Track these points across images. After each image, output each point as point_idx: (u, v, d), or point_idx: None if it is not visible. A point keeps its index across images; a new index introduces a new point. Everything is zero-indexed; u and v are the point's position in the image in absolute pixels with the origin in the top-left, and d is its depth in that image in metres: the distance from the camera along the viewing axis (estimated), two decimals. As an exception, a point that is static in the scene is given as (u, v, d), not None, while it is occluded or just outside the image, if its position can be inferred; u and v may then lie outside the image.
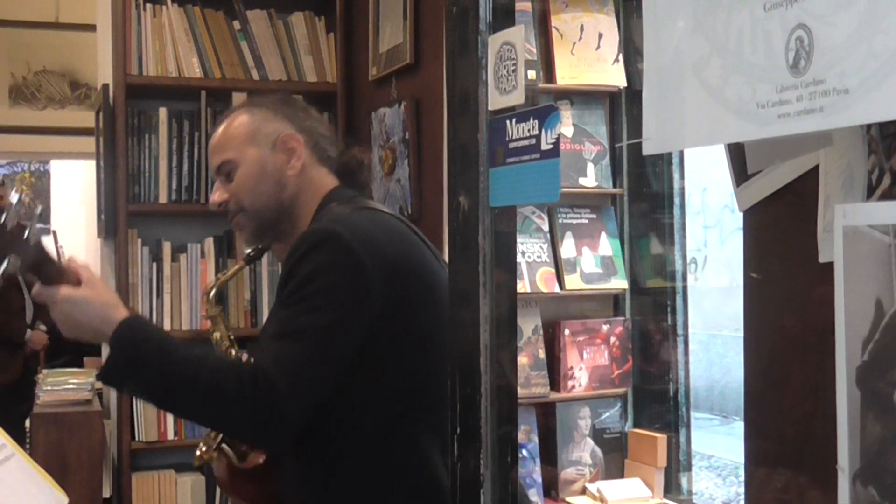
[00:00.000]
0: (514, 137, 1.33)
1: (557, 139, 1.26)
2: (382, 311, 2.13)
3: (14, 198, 2.11)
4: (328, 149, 2.43)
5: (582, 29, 3.74)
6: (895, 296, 0.90)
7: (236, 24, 4.86)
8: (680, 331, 3.74)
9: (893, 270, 0.90)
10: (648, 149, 1.08)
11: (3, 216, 2.04)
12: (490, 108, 1.36)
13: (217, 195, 2.41)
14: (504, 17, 1.36)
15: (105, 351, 2.39)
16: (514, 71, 1.31)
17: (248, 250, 3.18)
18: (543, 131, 1.28)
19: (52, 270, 2.14)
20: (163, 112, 4.76)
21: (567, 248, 3.69)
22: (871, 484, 0.93)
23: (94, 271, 2.22)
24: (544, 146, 1.27)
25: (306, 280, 2.13)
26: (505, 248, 1.37)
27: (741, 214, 1.35)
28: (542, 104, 3.47)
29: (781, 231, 1.29)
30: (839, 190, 1.07)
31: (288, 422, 2.10)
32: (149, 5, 4.71)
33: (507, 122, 1.34)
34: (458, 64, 1.43)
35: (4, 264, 2.06)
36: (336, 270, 2.14)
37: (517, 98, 1.31)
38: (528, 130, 1.30)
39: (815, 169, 1.16)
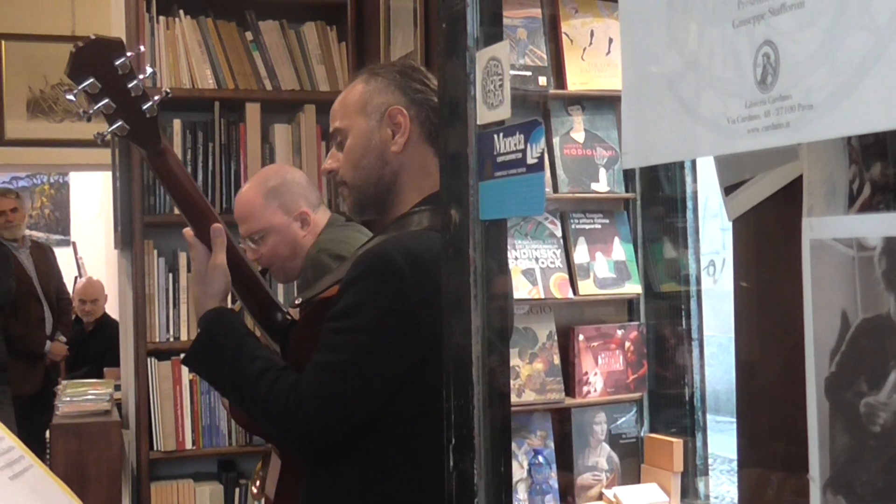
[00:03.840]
0: (501, 151, 1.34)
1: (542, 153, 1.27)
2: (424, 356, 2.12)
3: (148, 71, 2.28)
4: None
5: (592, 34, 3.75)
6: (859, 308, 0.92)
7: (249, 35, 4.89)
8: (695, 335, 3.74)
9: (857, 283, 0.92)
10: (627, 163, 1.10)
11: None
12: (478, 122, 1.37)
13: (328, 163, 2.43)
14: (492, 32, 1.38)
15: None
16: (500, 86, 1.33)
17: None
18: (529, 145, 1.29)
19: (205, 225, 2.37)
20: (177, 123, 4.79)
21: (580, 253, 3.70)
22: (840, 493, 0.94)
23: (222, 246, 2.38)
24: (530, 160, 1.28)
25: (356, 309, 2.14)
26: (496, 259, 1.38)
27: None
28: (554, 110, 3.50)
29: (770, 240, 1.30)
30: (822, 200, 1.07)
31: (316, 447, 2.19)
32: (162, 18, 4.74)
33: (495, 136, 1.36)
34: (447, 78, 1.44)
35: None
36: (385, 310, 2.14)
37: (504, 113, 1.33)
38: (515, 144, 1.31)
39: (802, 178, 1.17)
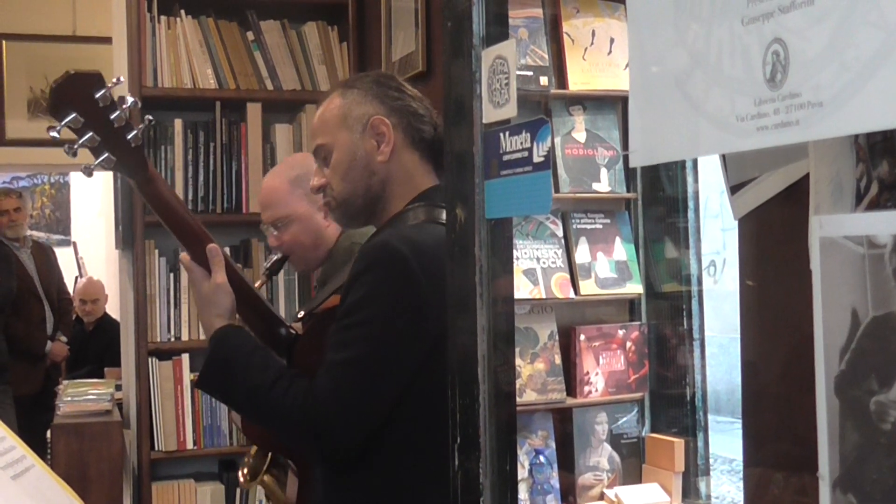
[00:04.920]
0: (507, 150, 1.34)
1: (548, 152, 1.27)
2: (435, 344, 2.10)
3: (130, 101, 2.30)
4: (422, 129, 2.37)
5: (593, 34, 3.74)
6: (869, 305, 0.91)
7: (250, 35, 4.89)
8: (696, 334, 3.73)
9: (868, 280, 0.91)
10: (634, 161, 1.10)
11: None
12: (484, 120, 1.37)
13: (315, 180, 2.42)
14: (498, 31, 1.37)
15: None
16: (506, 84, 1.33)
17: (267, 264, 3.20)
18: (535, 144, 1.29)
19: (200, 247, 2.36)
20: (178, 123, 4.80)
21: (581, 253, 3.69)
22: (850, 491, 0.94)
23: (220, 265, 2.37)
24: (536, 158, 1.28)
25: (364, 302, 2.15)
26: (501, 258, 1.38)
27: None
28: (555, 110, 3.50)
29: (776, 239, 1.30)
30: (829, 198, 1.07)
31: (341, 448, 2.19)
32: (163, 17, 4.75)
33: (501, 134, 1.36)
34: (453, 77, 1.44)
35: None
36: (393, 298, 2.15)
37: (510, 111, 1.33)
38: (521, 143, 1.31)
39: (808, 177, 1.17)
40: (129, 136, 2.23)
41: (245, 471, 2.91)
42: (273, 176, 3.29)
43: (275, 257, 3.21)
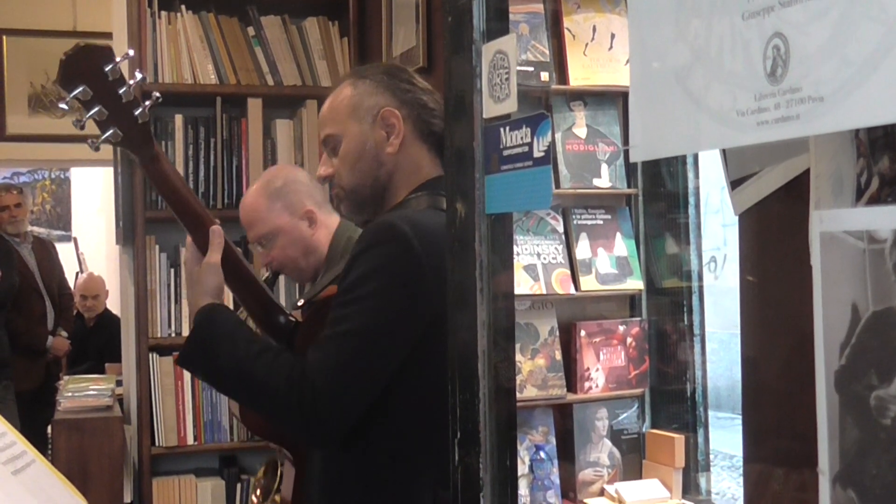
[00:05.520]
0: (507, 145, 1.34)
1: (549, 147, 1.27)
2: (433, 323, 2.10)
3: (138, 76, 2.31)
4: (432, 122, 2.37)
5: (594, 29, 3.74)
6: (870, 300, 0.91)
7: (251, 30, 4.89)
8: (696, 330, 3.73)
9: (868, 275, 0.91)
10: (635, 156, 1.10)
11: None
12: (484, 115, 1.37)
13: (323, 169, 2.42)
14: (498, 25, 1.38)
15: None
16: (507, 79, 1.33)
17: (264, 276, 3.18)
18: (535, 139, 1.29)
19: (201, 229, 2.36)
20: (179, 118, 4.80)
21: (582, 249, 3.69)
22: (850, 486, 0.94)
23: (218, 246, 2.36)
24: (536, 153, 1.28)
25: (364, 278, 2.14)
26: (502, 254, 1.38)
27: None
28: (556, 106, 3.49)
29: (776, 234, 1.29)
30: (829, 193, 1.07)
31: (330, 425, 2.14)
32: (164, 13, 4.75)
33: (501, 129, 1.36)
34: (453, 72, 1.44)
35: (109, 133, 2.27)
36: (394, 273, 2.14)
37: (510, 106, 1.33)
38: (521, 138, 1.31)
39: (808, 172, 1.17)
40: (137, 112, 2.23)
41: (258, 492, 2.90)
42: (250, 194, 3.27)
43: (267, 273, 3.21)
